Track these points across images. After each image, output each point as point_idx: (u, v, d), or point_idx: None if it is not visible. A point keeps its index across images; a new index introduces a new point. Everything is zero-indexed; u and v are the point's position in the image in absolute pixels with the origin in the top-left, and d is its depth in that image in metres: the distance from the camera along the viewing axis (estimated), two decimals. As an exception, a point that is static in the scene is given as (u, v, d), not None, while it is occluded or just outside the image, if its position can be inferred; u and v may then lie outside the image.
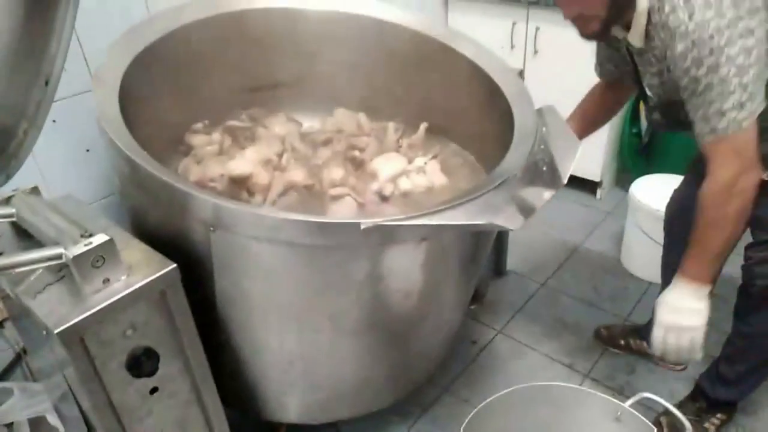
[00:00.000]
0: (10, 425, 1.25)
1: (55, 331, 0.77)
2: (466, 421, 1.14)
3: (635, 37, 1.10)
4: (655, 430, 1.16)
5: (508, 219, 0.92)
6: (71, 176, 1.45)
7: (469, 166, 1.47)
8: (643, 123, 2.43)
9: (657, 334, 1.15)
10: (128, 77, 1.13)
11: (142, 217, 1.09)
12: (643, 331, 1.71)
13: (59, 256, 0.82)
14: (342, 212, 1.21)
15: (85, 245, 0.81)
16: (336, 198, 1.23)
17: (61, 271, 0.88)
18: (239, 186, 1.20)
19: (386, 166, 1.35)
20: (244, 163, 1.19)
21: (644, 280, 2.05)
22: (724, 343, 1.42)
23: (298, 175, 1.25)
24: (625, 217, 2.11)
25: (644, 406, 1.45)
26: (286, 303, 1.06)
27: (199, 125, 1.41)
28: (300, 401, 1.30)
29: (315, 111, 1.60)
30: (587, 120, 1.44)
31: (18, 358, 1.47)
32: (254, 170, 1.19)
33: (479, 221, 0.92)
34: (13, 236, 1.01)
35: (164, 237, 0.97)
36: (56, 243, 0.84)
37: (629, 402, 1.19)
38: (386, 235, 0.93)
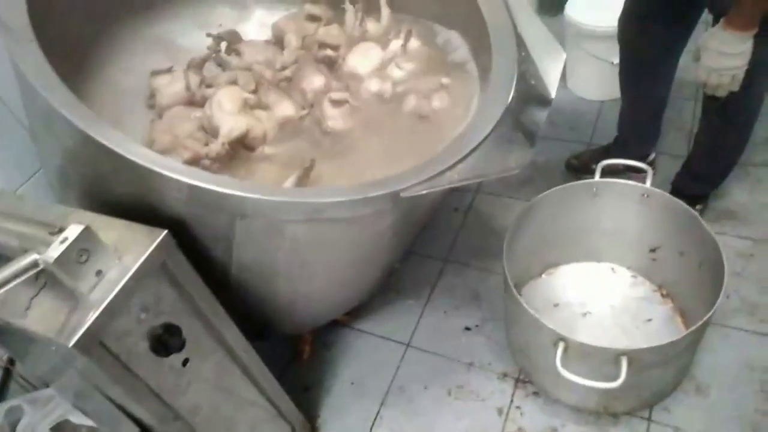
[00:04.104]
0: (35, 438, 1.19)
1: (70, 345, 0.68)
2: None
3: None
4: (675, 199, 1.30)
5: (521, 157, 0.92)
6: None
7: (441, 35, 1.32)
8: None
9: (701, 75, 1.19)
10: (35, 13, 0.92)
11: (106, 190, 0.94)
12: (612, 150, 1.74)
13: (35, 264, 0.70)
14: (339, 124, 1.14)
15: (61, 243, 0.70)
16: (336, 103, 1.14)
17: (38, 279, 0.77)
18: (235, 146, 1.08)
19: (364, 61, 1.22)
20: (236, 120, 1.06)
21: (596, 101, 2.07)
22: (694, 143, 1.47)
23: (287, 108, 1.15)
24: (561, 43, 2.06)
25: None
26: (309, 263, 1.03)
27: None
28: (300, 319, 1.31)
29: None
30: None
31: (7, 373, 1.37)
32: (248, 124, 1.07)
33: (502, 171, 0.91)
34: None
35: (142, 208, 0.85)
36: (23, 250, 0.72)
37: (648, 183, 1.35)
38: (416, 196, 0.89)
